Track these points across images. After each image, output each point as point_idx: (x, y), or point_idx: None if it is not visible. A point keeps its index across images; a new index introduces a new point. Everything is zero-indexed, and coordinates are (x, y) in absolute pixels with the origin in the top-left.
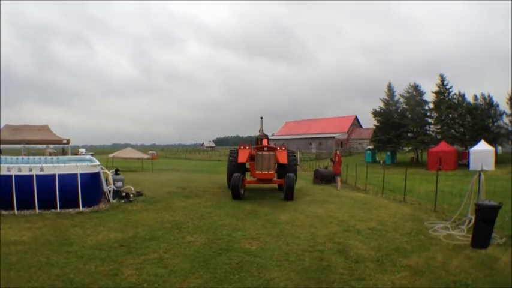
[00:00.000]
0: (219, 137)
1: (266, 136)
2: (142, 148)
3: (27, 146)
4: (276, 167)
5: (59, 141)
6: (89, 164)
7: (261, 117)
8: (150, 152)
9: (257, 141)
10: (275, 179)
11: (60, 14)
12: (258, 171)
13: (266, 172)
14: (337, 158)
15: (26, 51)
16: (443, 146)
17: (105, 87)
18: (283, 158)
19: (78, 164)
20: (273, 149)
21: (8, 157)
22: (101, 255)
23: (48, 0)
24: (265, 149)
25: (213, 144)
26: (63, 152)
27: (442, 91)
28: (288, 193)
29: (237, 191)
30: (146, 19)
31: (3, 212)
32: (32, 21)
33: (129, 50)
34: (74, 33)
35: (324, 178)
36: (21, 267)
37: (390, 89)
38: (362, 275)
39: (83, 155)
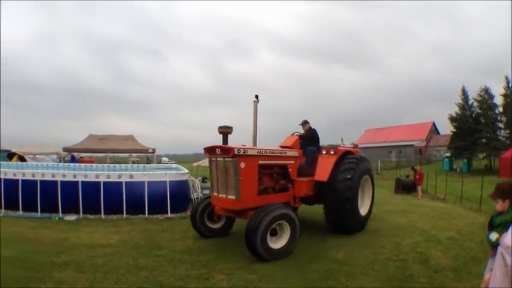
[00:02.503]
0: None
1: (311, 131)
2: None
3: (110, 154)
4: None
5: (144, 150)
6: (178, 172)
7: (256, 96)
8: None
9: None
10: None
11: (132, 30)
12: (213, 192)
13: (223, 196)
14: (418, 175)
15: (103, 66)
16: None
17: (182, 98)
18: (322, 172)
19: (168, 172)
20: (228, 151)
21: (100, 165)
22: (191, 259)
23: (118, 17)
24: (219, 151)
25: None
26: (148, 161)
27: (508, 94)
28: (248, 244)
29: (194, 223)
30: (217, 31)
31: (89, 216)
32: (106, 38)
33: (203, 61)
34: (147, 48)
35: (405, 187)
36: (108, 269)
37: (464, 93)
38: (441, 284)
39: (166, 163)
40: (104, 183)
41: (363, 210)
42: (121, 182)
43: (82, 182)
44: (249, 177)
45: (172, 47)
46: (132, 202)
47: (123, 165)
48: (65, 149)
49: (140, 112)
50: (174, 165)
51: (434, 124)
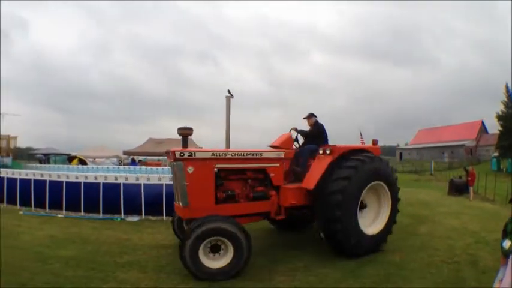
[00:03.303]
0: None
1: (316, 126)
2: None
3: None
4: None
5: None
6: None
7: (229, 91)
8: None
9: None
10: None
11: (183, 35)
12: (174, 199)
13: (178, 204)
14: (470, 176)
15: (157, 72)
16: None
17: (236, 100)
18: (311, 177)
19: None
20: (173, 155)
21: (160, 168)
22: (252, 261)
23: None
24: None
25: None
26: None
27: None
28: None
29: (174, 229)
30: (263, 32)
31: (150, 217)
32: (157, 44)
33: (255, 64)
34: (199, 52)
35: (458, 188)
36: (172, 269)
37: (508, 90)
38: (488, 285)
39: None
40: (166, 185)
41: (373, 228)
42: None
43: (144, 184)
44: (200, 182)
45: (223, 50)
46: None
47: None
48: (125, 153)
49: (197, 115)
50: None
51: (483, 123)
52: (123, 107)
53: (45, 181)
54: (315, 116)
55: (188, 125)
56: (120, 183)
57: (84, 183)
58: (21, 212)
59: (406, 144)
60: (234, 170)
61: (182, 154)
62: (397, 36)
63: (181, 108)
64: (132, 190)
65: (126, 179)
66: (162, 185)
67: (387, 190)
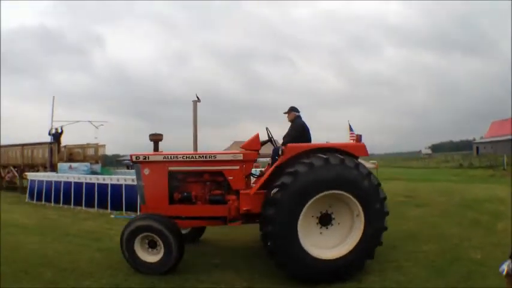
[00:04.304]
0: (434, 143)
1: (295, 123)
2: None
3: None
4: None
5: None
6: None
7: (196, 95)
8: (371, 161)
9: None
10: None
11: (256, 38)
12: None
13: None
14: None
15: (235, 77)
16: None
17: (315, 100)
18: (257, 183)
19: None
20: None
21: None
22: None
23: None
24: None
25: (430, 151)
26: None
27: None
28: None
29: None
30: (334, 29)
31: None
32: (234, 50)
33: (330, 62)
34: (273, 54)
35: None
36: (265, 271)
37: None
38: None
39: None
40: None
41: (339, 250)
42: None
43: None
44: (154, 183)
45: (297, 50)
46: None
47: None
48: None
49: (278, 117)
50: None
51: None
52: (205, 111)
53: (135, 186)
54: (296, 111)
55: (271, 127)
56: None
57: None
58: (112, 216)
59: (481, 138)
60: (191, 172)
61: (138, 157)
62: (464, 26)
63: (263, 111)
64: None
65: None
66: None
67: (356, 202)
